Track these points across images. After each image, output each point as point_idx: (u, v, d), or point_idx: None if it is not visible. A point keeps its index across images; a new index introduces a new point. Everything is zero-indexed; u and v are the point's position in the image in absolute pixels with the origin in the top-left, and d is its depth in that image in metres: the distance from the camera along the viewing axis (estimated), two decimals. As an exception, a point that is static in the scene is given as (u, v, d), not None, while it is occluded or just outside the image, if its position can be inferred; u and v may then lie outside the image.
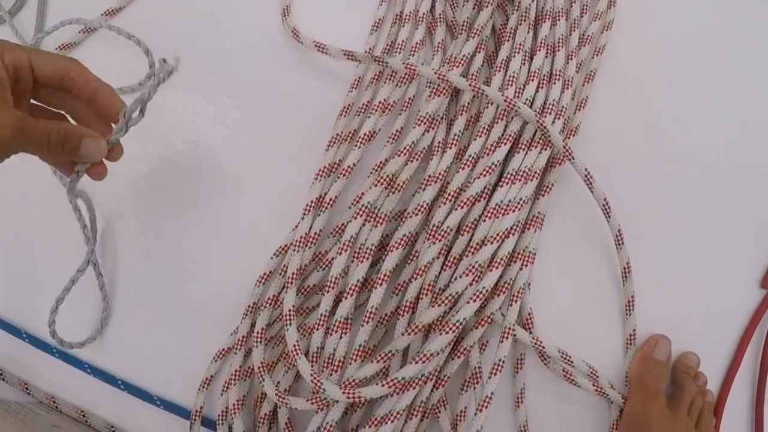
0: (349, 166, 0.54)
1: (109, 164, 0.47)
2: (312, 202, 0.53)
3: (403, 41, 0.59)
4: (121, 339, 0.57)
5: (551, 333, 0.54)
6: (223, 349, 0.54)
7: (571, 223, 0.57)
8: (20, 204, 0.60)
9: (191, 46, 0.63)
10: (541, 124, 0.52)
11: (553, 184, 0.55)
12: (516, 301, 0.51)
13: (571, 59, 0.57)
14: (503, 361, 0.50)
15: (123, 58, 0.62)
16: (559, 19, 0.58)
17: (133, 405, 0.55)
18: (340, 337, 0.49)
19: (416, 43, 0.58)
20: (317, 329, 0.49)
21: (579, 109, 0.58)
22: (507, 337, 0.50)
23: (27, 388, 0.56)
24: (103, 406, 0.56)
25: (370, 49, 0.60)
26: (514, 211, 0.51)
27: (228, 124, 0.60)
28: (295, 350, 0.48)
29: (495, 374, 0.49)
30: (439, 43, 0.59)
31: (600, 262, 0.56)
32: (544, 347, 0.52)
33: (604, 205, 0.54)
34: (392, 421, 0.47)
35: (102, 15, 0.64)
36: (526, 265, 0.52)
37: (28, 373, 0.57)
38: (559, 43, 0.57)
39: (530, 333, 0.53)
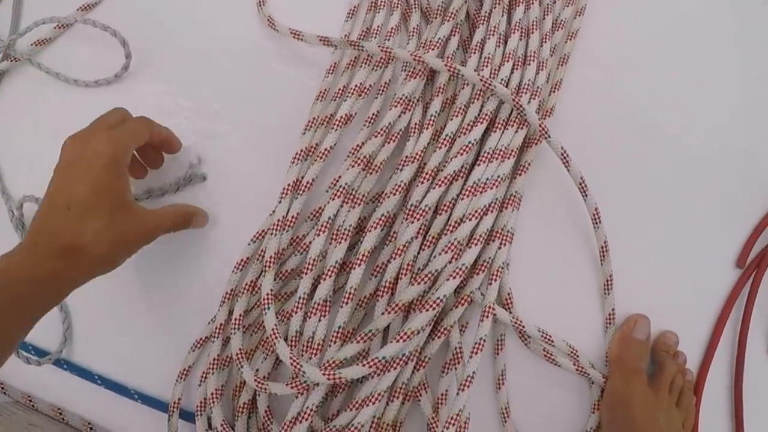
0: (326, 149, 0.53)
1: None
2: (289, 185, 0.53)
3: (378, 27, 0.59)
4: (95, 334, 0.56)
5: (531, 313, 0.54)
6: (201, 339, 0.53)
7: (548, 203, 0.57)
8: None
9: (167, 39, 0.62)
10: (517, 103, 0.52)
11: (529, 164, 0.55)
12: (495, 280, 0.51)
13: (545, 42, 0.58)
14: (484, 340, 0.49)
15: (100, 51, 0.61)
16: (532, 3, 0.58)
17: (111, 400, 0.55)
18: (319, 320, 0.48)
19: (391, 29, 0.58)
20: (296, 313, 0.49)
21: (554, 91, 0.58)
22: (487, 316, 0.50)
23: (3, 388, 0.55)
24: (79, 403, 0.55)
25: (345, 35, 0.60)
26: (491, 188, 0.51)
27: (206, 114, 0.60)
28: (274, 334, 0.47)
29: (476, 353, 0.49)
30: (414, 28, 0.59)
31: (578, 242, 0.56)
32: (524, 327, 0.52)
33: (580, 184, 0.54)
34: (373, 403, 0.47)
35: (77, 10, 0.63)
36: (505, 245, 0.52)
37: (4, 373, 0.55)
38: (533, 26, 0.58)
39: (510, 313, 0.53)
